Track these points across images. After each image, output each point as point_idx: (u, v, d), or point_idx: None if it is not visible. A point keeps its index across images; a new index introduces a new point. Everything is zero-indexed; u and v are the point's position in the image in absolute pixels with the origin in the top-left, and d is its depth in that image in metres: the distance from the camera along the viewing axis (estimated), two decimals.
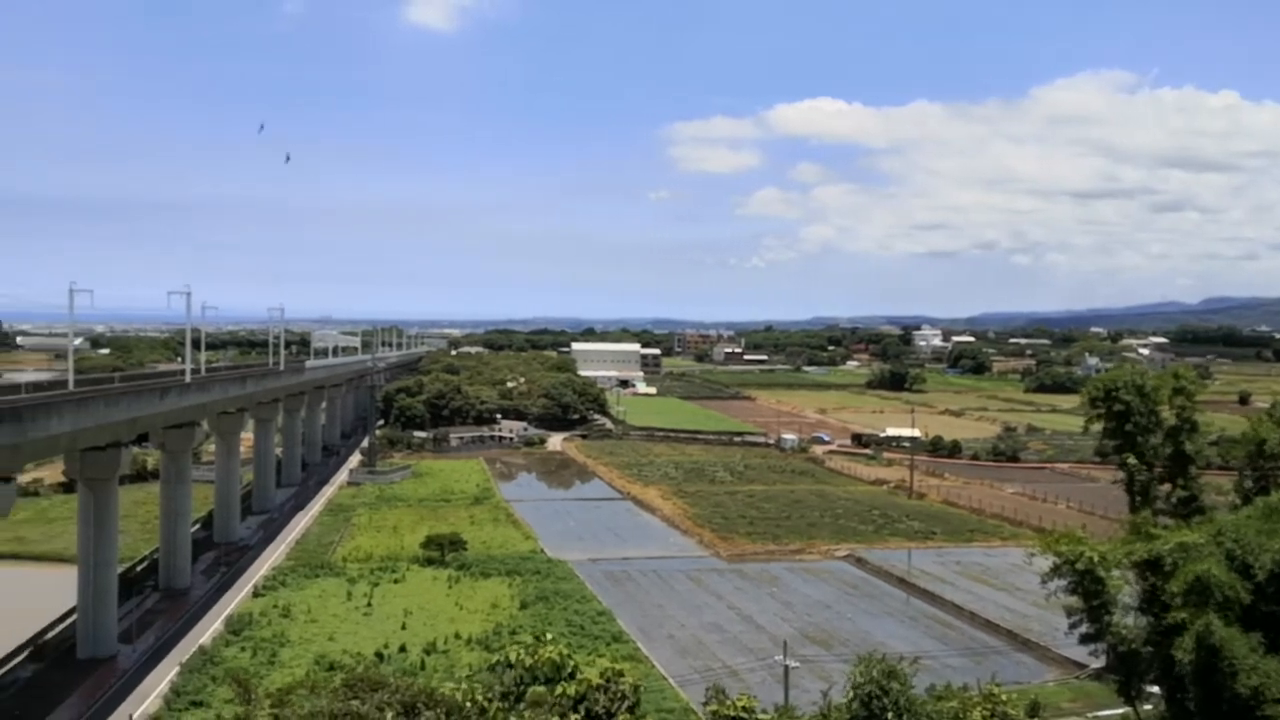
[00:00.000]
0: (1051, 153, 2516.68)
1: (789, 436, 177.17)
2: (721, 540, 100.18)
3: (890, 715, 30.11)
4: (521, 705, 28.15)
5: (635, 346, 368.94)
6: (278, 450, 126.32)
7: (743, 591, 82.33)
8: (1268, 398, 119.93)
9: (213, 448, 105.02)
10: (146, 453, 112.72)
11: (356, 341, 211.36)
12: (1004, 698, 32.40)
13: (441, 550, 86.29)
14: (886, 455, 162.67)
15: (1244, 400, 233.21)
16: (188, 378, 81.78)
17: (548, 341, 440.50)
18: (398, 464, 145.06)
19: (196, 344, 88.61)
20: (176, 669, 59.17)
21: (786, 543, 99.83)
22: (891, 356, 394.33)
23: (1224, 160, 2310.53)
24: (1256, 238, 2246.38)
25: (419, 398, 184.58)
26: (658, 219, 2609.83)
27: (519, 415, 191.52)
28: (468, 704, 27.24)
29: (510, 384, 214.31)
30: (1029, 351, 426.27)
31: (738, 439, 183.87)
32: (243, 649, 62.95)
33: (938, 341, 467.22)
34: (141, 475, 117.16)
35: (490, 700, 28.02)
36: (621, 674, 29.36)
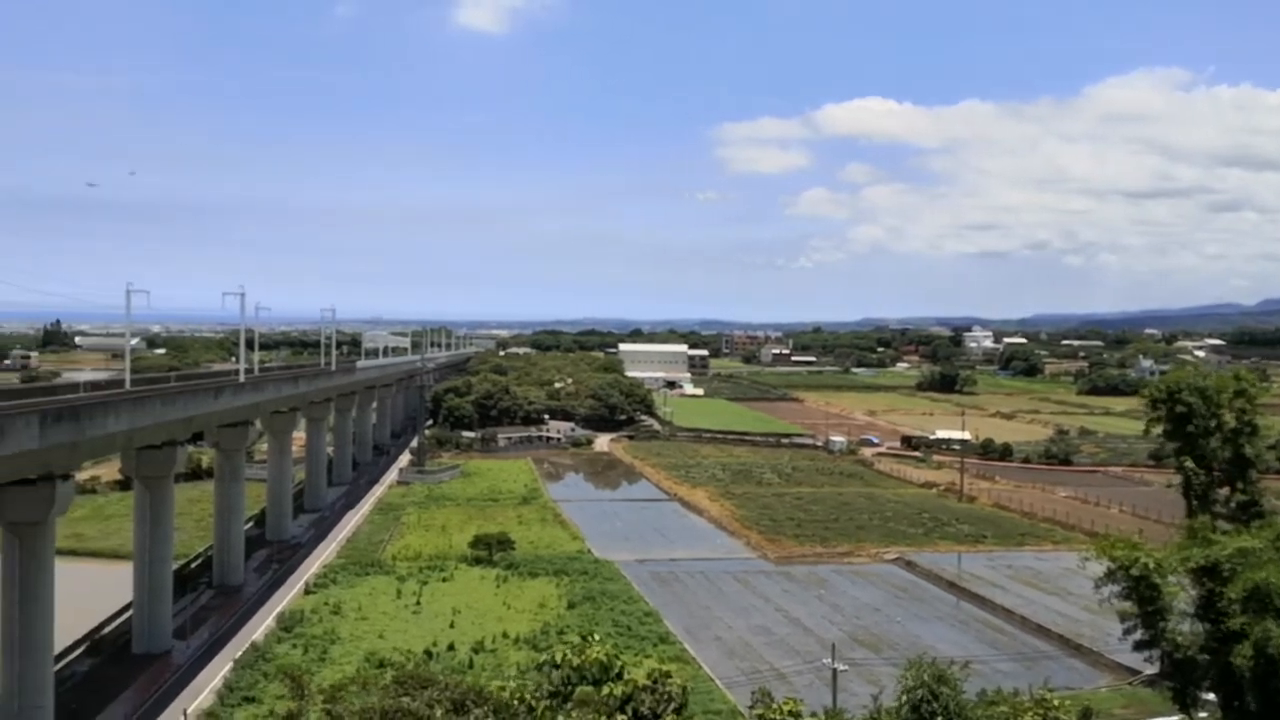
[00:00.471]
0: (1105, 152, 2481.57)
1: (837, 438, 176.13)
2: (769, 542, 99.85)
3: None
4: (569, 705, 28.21)
5: (682, 347, 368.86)
6: (329, 449, 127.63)
7: (790, 594, 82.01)
8: None
9: (265, 446, 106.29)
10: (201, 451, 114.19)
11: (406, 342, 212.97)
12: (1056, 703, 32.03)
13: (489, 550, 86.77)
14: (936, 458, 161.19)
15: None
16: (241, 377, 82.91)
17: (595, 342, 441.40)
18: (446, 464, 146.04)
19: (250, 344, 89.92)
20: (229, 665, 59.99)
21: (835, 545, 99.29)
22: (942, 358, 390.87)
23: None
24: None
25: (467, 398, 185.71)
26: (706, 220, 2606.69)
27: (566, 416, 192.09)
28: (516, 702, 27.37)
29: (558, 385, 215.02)
30: (1082, 353, 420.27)
31: (785, 441, 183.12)
32: (294, 646, 63.68)
33: (989, 343, 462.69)
34: (196, 473, 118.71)
35: (538, 699, 28.14)
36: (669, 675, 29.36)
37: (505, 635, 66.03)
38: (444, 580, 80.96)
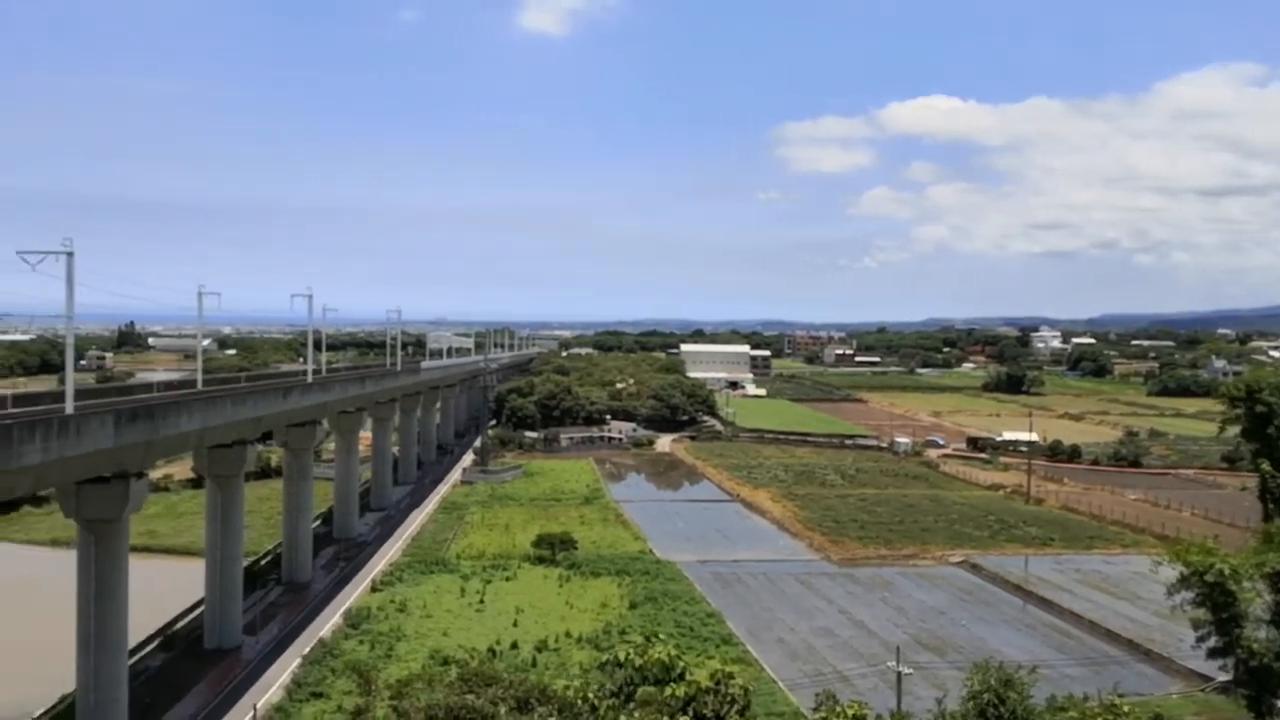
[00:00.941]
0: (1176, 149, 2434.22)
1: (902, 440, 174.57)
2: (832, 544, 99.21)
3: None
4: (631, 705, 28.33)
5: (745, 348, 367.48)
6: (395, 449, 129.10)
7: (854, 596, 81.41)
8: None
9: (333, 446, 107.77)
10: (270, 450, 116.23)
11: (470, 343, 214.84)
12: (1125, 709, 31.53)
13: (552, 549, 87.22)
14: (1003, 459, 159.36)
15: None
16: (309, 378, 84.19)
17: (657, 343, 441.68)
18: (509, 463, 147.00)
19: (318, 345, 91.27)
20: (298, 661, 60.93)
21: (899, 547, 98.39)
22: (1008, 358, 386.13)
23: None
24: None
25: (530, 398, 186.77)
26: (767, 220, 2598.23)
27: (628, 416, 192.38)
28: (579, 701, 27.55)
29: (620, 385, 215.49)
30: (1152, 354, 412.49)
31: (849, 442, 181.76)
32: (361, 642, 64.49)
33: (1056, 343, 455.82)
34: (265, 472, 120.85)
35: (601, 699, 28.28)
36: (732, 676, 29.38)
37: (568, 634, 66.31)
38: (507, 579, 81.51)
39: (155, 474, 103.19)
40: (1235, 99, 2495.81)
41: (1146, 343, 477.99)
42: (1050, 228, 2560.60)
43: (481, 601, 74.64)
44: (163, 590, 73.13)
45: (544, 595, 76.96)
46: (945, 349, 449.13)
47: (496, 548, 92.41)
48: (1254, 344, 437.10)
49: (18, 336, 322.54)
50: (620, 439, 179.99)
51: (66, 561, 59.19)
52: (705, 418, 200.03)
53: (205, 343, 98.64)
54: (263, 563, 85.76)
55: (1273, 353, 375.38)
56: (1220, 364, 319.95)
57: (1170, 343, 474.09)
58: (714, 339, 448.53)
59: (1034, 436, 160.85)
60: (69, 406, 43.77)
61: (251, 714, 48.93)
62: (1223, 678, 54.98)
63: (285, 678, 58.25)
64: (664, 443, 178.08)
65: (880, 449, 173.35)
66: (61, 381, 50.18)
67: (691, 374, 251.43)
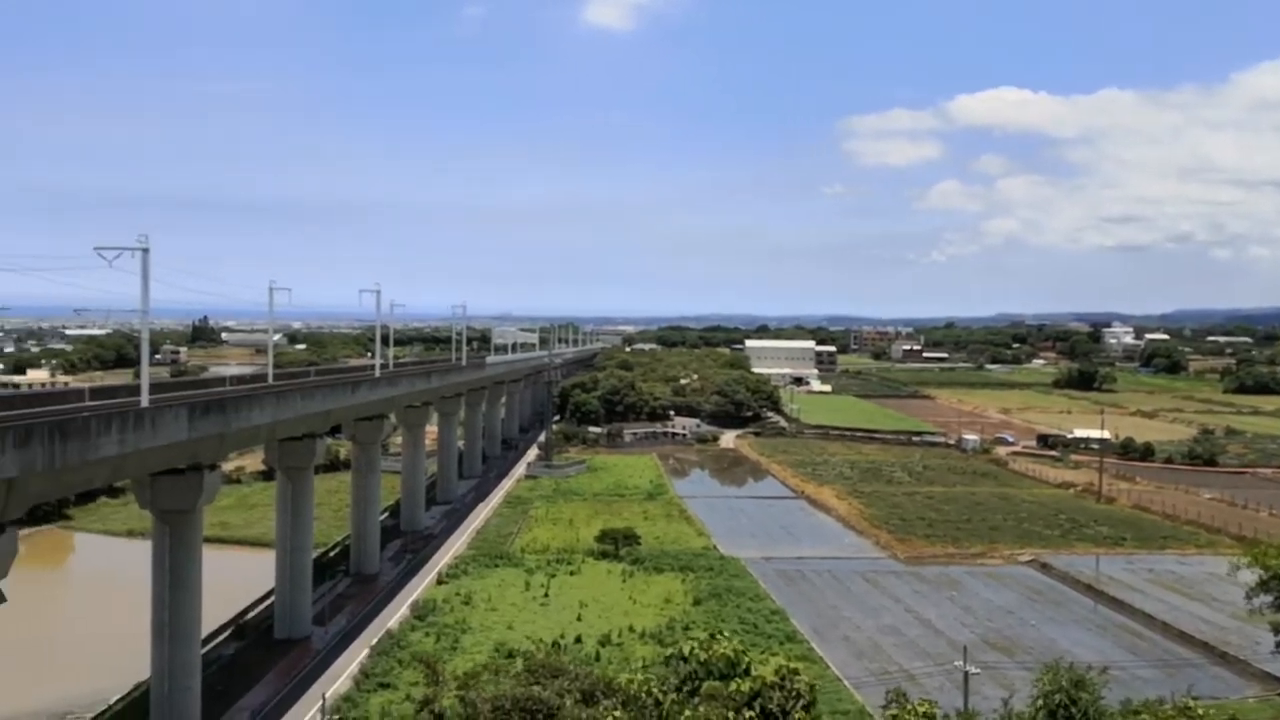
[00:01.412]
0: (1254, 140, 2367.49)
1: (970, 437, 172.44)
2: (899, 542, 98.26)
3: None
4: (696, 699, 28.27)
5: (810, 343, 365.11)
6: (460, 443, 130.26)
7: (921, 595, 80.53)
8: None
9: (400, 439, 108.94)
10: (339, 443, 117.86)
11: (534, 338, 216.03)
12: (1200, 712, 30.82)
13: (616, 544, 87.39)
14: (1074, 457, 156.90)
15: None
16: (377, 372, 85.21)
17: (721, 338, 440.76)
18: (573, 458, 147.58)
19: (385, 340, 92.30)
20: (366, 651, 61.67)
21: (967, 546, 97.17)
22: (1080, 355, 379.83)
23: None
24: None
25: (594, 393, 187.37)
26: (834, 214, 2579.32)
27: (692, 412, 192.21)
28: (644, 695, 27.53)
29: (683, 381, 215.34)
30: (1229, 350, 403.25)
31: (916, 439, 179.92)
32: (427, 634, 65.09)
33: (1129, 339, 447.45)
34: (334, 465, 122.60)
35: (665, 693, 28.25)
36: (797, 672, 29.19)
37: (631, 629, 66.37)
38: (571, 573, 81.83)
39: (227, 466, 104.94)
40: None
41: (1223, 339, 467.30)
42: (1123, 221, 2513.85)
43: (546, 595, 75.01)
44: (234, 581, 74.44)
45: (607, 590, 77.14)
46: (1015, 345, 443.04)
47: (560, 542, 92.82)
48: None
49: (95, 331, 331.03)
50: (684, 435, 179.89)
51: (142, 552, 60.57)
52: (769, 414, 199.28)
53: (276, 337, 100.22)
54: (331, 554, 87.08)
55: None
56: None
57: (1247, 339, 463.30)
58: (779, 334, 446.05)
59: (1106, 434, 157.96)
60: (144, 400, 44.72)
61: (320, 704, 49.60)
62: None
63: (353, 668, 59.00)
64: (728, 439, 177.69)
65: (948, 446, 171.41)
66: (137, 375, 51.24)
67: (756, 370, 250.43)
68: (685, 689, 29.16)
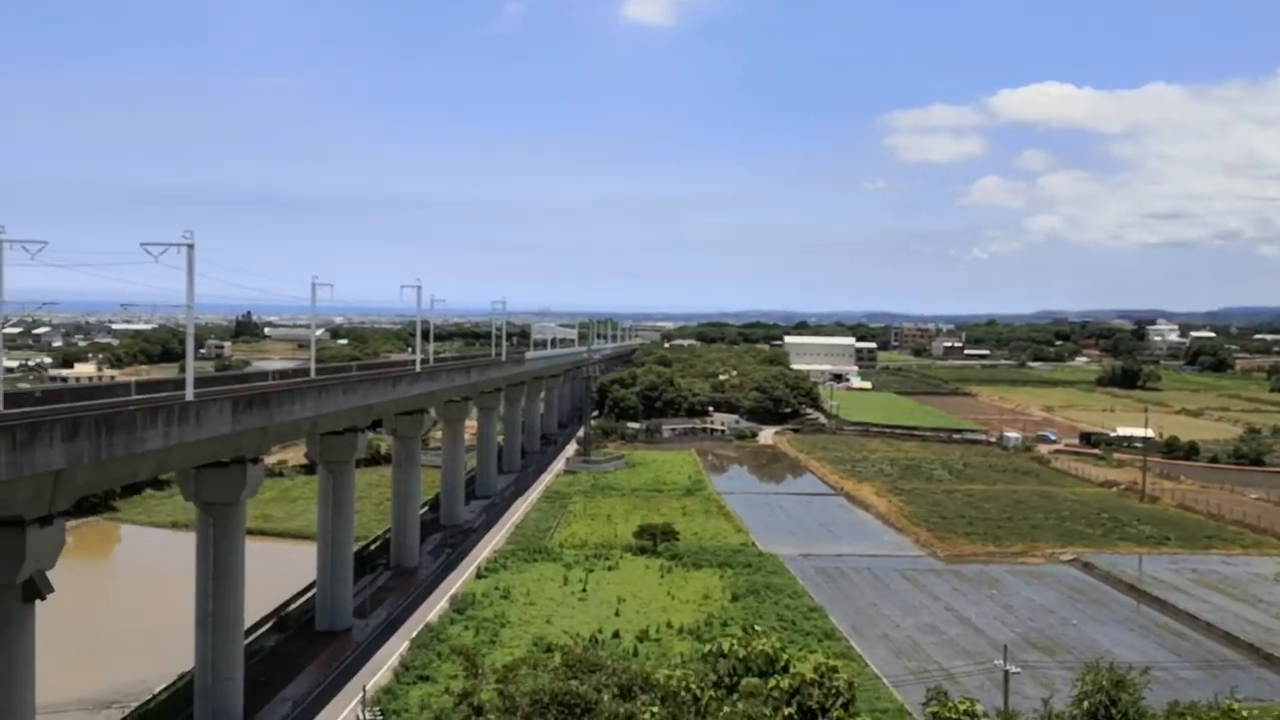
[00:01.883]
0: None
1: (1012, 435, 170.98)
2: (939, 540, 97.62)
3: None
4: (734, 696, 28.25)
5: (849, 340, 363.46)
6: (499, 438, 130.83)
7: (961, 593, 80.00)
8: None
9: (439, 434, 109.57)
10: (379, 438, 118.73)
11: (574, 334, 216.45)
12: (1245, 714, 30.39)
13: (654, 540, 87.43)
14: (1117, 456, 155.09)
15: None
16: (418, 367, 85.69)
17: (760, 335, 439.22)
18: (612, 454, 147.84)
19: (426, 335, 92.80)
20: (405, 644, 62.17)
21: (1008, 544, 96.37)
22: (1123, 352, 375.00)
23: None
24: None
25: (632, 389, 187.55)
26: (873, 210, 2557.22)
27: (730, 408, 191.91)
28: (682, 691, 27.54)
29: (722, 377, 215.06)
30: (1276, 348, 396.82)
31: (957, 436, 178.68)
32: (466, 627, 65.45)
33: (1174, 337, 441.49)
34: (375, 459, 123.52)
35: (704, 689, 28.25)
36: (836, 670, 29.09)
37: (669, 625, 66.41)
38: (609, 569, 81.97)
39: (270, 459, 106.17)
40: None
41: (1270, 336, 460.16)
42: (1169, 217, 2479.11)
43: (584, 590, 75.20)
44: (276, 573, 75.23)
45: (645, 585, 77.21)
46: (1057, 342, 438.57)
47: (599, 537, 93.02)
48: None
49: (141, 326, 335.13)
50: (722, 431, 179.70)
51: (186, 543, 61.33)
52: (809, 410, 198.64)
53: (318, 332, 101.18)
54: (372, 547, 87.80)
55: None
56: None
57: None
58: (818, 331, 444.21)
59: (1150, 433, 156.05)
60: (189, 394, 45.23)
61: (361, 695, 50.04)
62: None
63: (393, 660, 59.48)
64: (766, 435, 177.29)
65: (990, 444, 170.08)
66: (182, 369, 51.90)
67: (795, 366, 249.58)
68: (724, 685, 29.14)
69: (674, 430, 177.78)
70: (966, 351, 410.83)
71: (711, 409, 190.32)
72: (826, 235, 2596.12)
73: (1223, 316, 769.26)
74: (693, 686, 27.93)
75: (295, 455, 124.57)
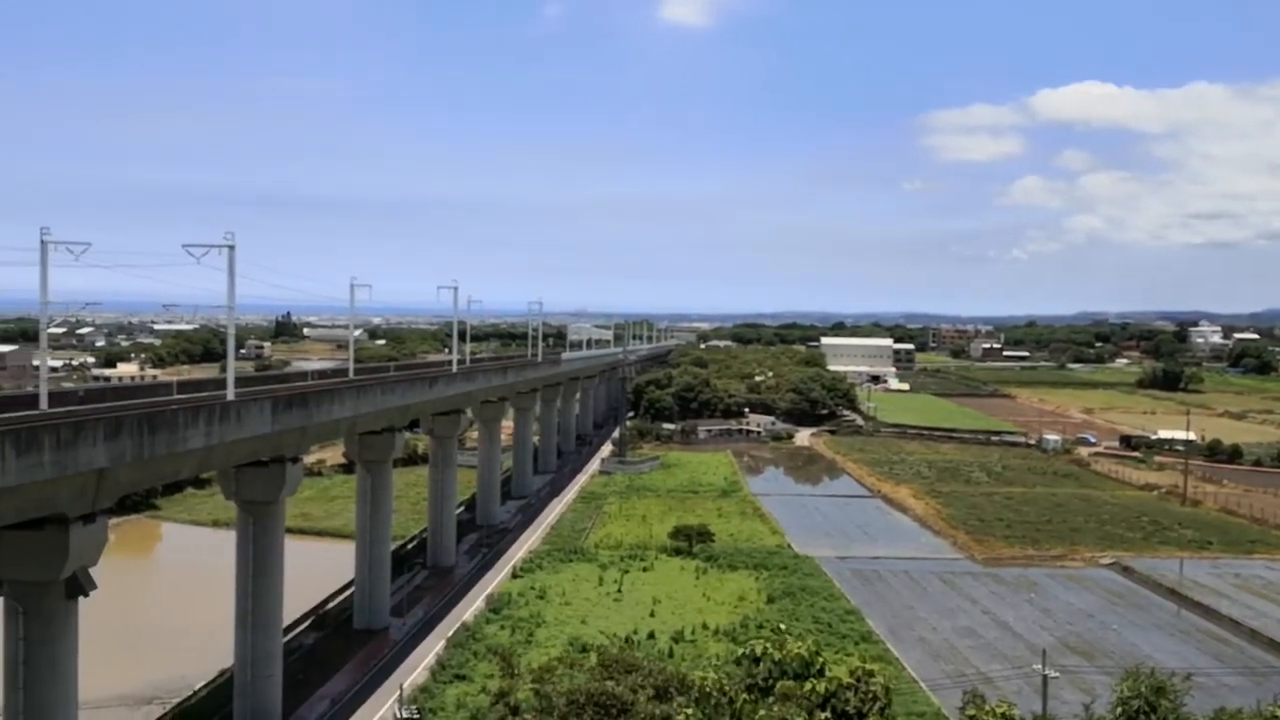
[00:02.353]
0: None
1: (1051, 437, 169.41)
2: (976, 543, 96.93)
3: None
4: (770, 699, 28.18)
5: (887, 341, 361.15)
6: (535, 438, 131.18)
7: (999, 597, 79.39)
8: None
9: (476, 434, 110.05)
10: (417, 438, 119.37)
11: (609, 334, 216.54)
12: None
13: (689, 541, 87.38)
14: (1158, 459, 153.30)
15: None
16: (454, 368, 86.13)
17: (796, 336, 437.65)
18: (647, 455, 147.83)
19: (462, 336, 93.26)
20: (442, 643, 62.51)
21: (1047, 548, 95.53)
22: (1165, 354, 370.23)
23: None
24: None
25: (668, 390, 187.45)
26: (912, 210, 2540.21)
27: (766, 409, 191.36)
28: (717, 693, 27.53)
29: (758, 378, 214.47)
30: None
31: (995, 438, 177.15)
32: (502, 627, 65.73)
33: (1217, 339, 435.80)
34: (412, 459, 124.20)
35: (739, 691, 28.22)
36: (872, 673, 28.96)
37: (705, 626, 66.37)
38: (644, 570, 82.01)
39: (309, 459, 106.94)
40: None
41: None
42: (1211, 218, 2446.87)
43: (619, 591, 75.29)
44: (315, 571, 75.81)
45: (681, 586, 77.20)
46: (1098, 344, 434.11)
47: (634, 538, 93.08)
48: None
49: (183, 326, 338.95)
50: (758, 432, 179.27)
51: (226, 542, 61.98)
52: (845, 412, 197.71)
53: (356, 333, 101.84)
54: (409, 547, 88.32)
55: None
56: None
57: None
58: (855, 332, 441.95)
59: (1192, 435, 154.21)
60: (230, 393, 45.69)
61: (398, 694, 50.34)
62: None
63: (430, 659, 59.82)
64: (803, 436, 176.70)
65: (1029, 446, 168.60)
66: (223, 369, 52.47)
67: (832, 367, 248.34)
68: (759, 688, 29.08)
69: (710, 431, 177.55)
70: (1005, 353, 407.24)
71: (747, 410, 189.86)
72: (864, 235, 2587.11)
73: (1267, 318, 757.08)
74: (728, 689, 27.91)
75: (334, 455, 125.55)
